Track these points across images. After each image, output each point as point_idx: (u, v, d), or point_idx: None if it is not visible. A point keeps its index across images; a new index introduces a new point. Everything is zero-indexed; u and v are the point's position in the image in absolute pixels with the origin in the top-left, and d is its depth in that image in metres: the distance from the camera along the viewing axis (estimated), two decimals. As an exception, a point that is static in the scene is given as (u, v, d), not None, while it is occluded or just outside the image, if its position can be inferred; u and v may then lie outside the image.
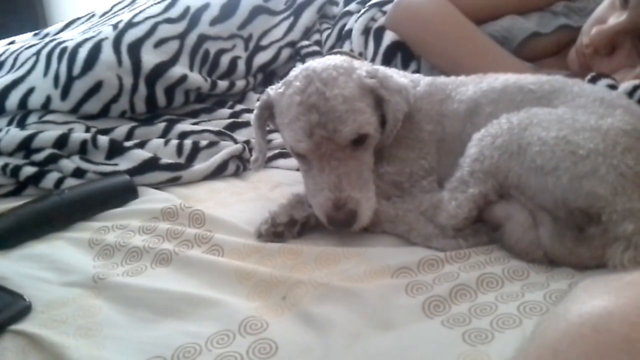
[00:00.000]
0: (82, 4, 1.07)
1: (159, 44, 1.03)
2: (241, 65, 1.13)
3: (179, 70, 1.02)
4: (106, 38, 1.00)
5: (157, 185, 0.87)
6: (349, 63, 0.72)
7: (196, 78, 1.04)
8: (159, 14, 1.07)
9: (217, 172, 0.91)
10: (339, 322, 0.53)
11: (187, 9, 1.10)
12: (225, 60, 1.11)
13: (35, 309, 0.58)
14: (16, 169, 0.87)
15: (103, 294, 0.61)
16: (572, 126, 0.61)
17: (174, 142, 0.95)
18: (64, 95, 0.98)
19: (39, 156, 0.89)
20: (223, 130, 1.00)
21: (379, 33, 1.08)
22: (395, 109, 0.71)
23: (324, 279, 0.59)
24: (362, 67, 0.72)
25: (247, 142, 0.96)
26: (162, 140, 0.95)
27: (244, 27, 1.15)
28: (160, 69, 1.01)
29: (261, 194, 0.84)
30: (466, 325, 0.51)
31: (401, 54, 1.06)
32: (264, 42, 1.18)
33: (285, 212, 0.71)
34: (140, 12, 1.07)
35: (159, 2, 1.11)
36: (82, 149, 0.91)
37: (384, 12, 1.11)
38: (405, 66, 1.03)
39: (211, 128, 1.00)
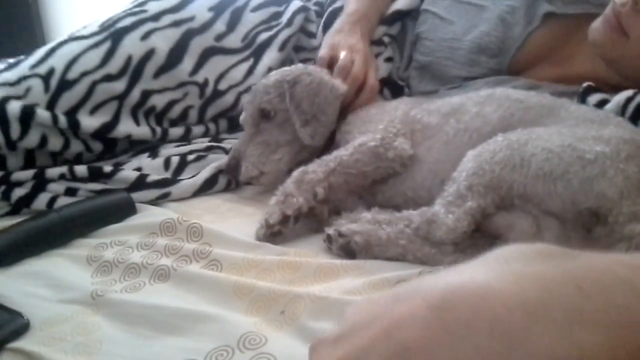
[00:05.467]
0: (81, 23, 1.04)
1: (96, 109, 0.93)
2: (193, 114, 1.04)
3: (123, 128, 0.95)
4: (37, 104, 0.89)
5: (150, 203, 0.87)
6: (299, 69, 0.91)
7: (144, 132, 0.97)
8: (97, 68, 0.94)
9: (207, 187, 0.91)
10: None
11: (129, 59, 0.96)
12: (176, 110, 1.02)
13: (34, 327, 0.58)
14: (7, 192, 0.86)
15: (101, 311, 0.60)
16: (574, 136, 0.63)
17: (161, 158, 0.94)
18: (13, 151, 0.90)
19: (25, 186, 0.87)
20: (210, 144, 0.99)
21: None
22: (291, 97, 0.86)
23: (323, 292, 0.59)
24: (305, 71, 0.90)
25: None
26: (148, 158, 0.95)
27: (196, 72, 1.02)
28: (103, 130, 0.93)
29: (259, 208, 0.84)
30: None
31: (389, 89, 1.06)
32: (222, 86, 1.05)
33: (277, 210, 0.73)
34: (75, 59, 0.93)
35: (97, 44, 0.96)
36: (63, 179, 0.89)
37: (371, 42, 1.07)
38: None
39: (197, 147, 0.98)
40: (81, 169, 0.89)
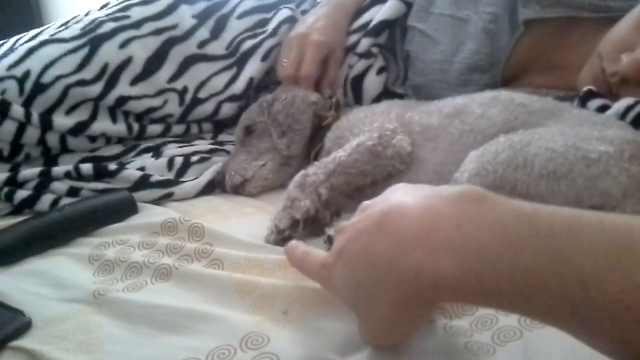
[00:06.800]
0: (79, 4, 1.00)
1: (72, 109, 0.94)
2: (172, 121, 1.04)
3: (98, 126, 0.96)
4: (10, 103, 0.89)
5: (153, 203, 0.87)
6: (279, 90, 0.99)
7: (119, 129, 0.98)
8: (71, 74, 0.93)
9: (211, 188, 0.91)
10: (341, 334, 0.52)
11: (105, 67, 0.95)
12: (154, 117, 1.02)
13: (35, 325, 0.58)
14: (10, 193, 0.86)
15: (103, 310, 0.60)
16: (577, 136, 0.63)
17: (165, 158, 0.95)
18: None
19: (29, 185, 0.88)
20: (214, 146, 1.00)
21: (358, 83, 1.05)
22: (269, 113, 0.92)
23: (326, 292, 0.59)
24: (282, 89, 0.97)
25: None
26: (152, 158, 0.95)
27: (175, 79, 1.01)
28: (78, 128, 0.94)
29: (261, 208, 0.85)
30: (468, 337, 0.50)
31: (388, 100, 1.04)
32: (202, 94, 1.03)
33: (285, 215, 0.73)
34: (52, 63, 0.93)
35: (76, 49, 0.95)
36: (68, 177, 0.90)
37: (359, 56, 1.04)
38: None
39: (200, 149, 0.99)
40: (87, 167, 0.90)
